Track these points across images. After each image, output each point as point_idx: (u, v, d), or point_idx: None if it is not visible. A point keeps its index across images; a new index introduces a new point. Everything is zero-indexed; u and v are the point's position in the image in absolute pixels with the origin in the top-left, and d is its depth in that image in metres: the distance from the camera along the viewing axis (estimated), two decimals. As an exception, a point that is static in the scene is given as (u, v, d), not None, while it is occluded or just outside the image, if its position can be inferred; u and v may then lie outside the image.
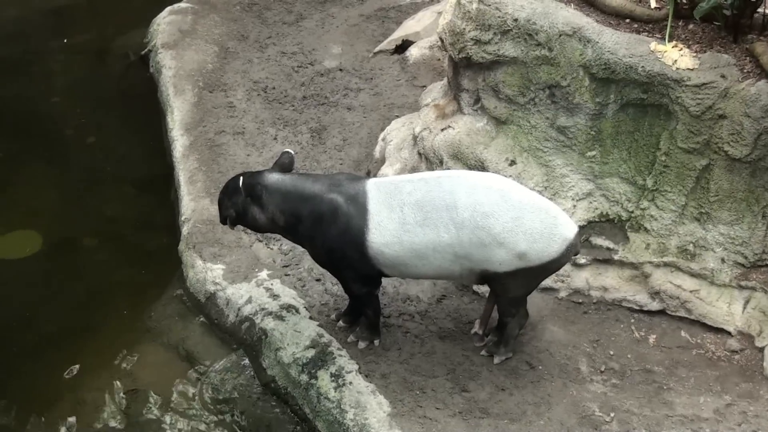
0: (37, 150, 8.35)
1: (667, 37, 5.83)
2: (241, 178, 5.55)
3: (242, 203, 5.56)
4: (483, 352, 5.80)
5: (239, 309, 6.21)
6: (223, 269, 6.50)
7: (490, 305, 5.83)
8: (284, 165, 5.63)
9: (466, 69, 6.39)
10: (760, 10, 5.95)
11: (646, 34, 5.97)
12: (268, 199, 5.50)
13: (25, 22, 10.43)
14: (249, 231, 6.65)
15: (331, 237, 5.41)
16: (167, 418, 5.83)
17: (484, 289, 6.06)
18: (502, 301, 5.58)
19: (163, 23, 9.37)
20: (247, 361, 6.09)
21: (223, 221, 5.74)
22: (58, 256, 7.13)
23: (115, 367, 6.14)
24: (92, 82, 9.37)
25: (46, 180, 7.97)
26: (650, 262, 6.08)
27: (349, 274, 5.61)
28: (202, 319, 6.44)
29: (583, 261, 6.16)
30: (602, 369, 5.77)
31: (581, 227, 6.02)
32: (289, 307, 6.12)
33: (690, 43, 5.88)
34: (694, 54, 5.74)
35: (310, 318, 6.06)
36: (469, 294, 6.26)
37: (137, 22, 9.87)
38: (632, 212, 6.09)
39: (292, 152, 5.73)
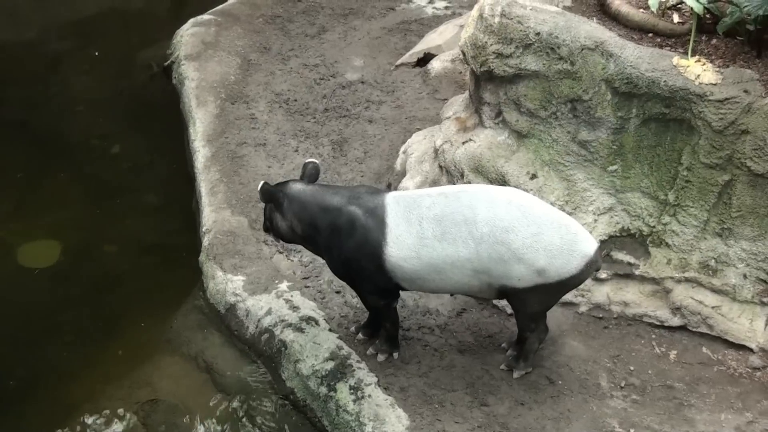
0: (60, 159, 8.42)
1: (689, 51, 5.81)
2: (261, 184, 5.59)
3: (269, 210, 5.61)
4: (502, 366, 5.78)
5: (259, 320, 6.22)
6: (243, 280, 6.51)
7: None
8: (311, 175, 5.66)
9: (487, 82, 6.38)
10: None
11: (668, 48, 5.96)
12: (288, 207, 5.54)
13: (50, 34, 10.52)
14: (270, 242, 6.67)
15: (349, 249, 5.42)
16: (186, 429, 5.83)
17: (504, 303, 6.05)
18: (521, 316, 5.55)
19: (187, 35, 9.42)
20: (266, 373, 6.10)
21: (265, 230, 5.83)
22: (80, 265, 7.17)
23: (134, 378, 6.16)
24: (116, 93, 9.43)
25: (69, 189, 8.03)
26: (671, 278, 6.06)
27: (366, 287, 5.61)
28: (221, 330, 6.45)
29: (604, 276, 6.14)
30: (622, 384, 5.74)
31: (602, 242, 6.01)
32: (308, 319, 6.13)
33: (713, 57, 5.86)
34: (717, 69, 5.72)
35: (330, 330, 6.06)
36: (489, 308, 6.25)
37: (161, 33, 9.93)
38: (654, 227, 6.06)
39: (317, 162, 5.75)
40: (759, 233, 5.83)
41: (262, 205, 5.85)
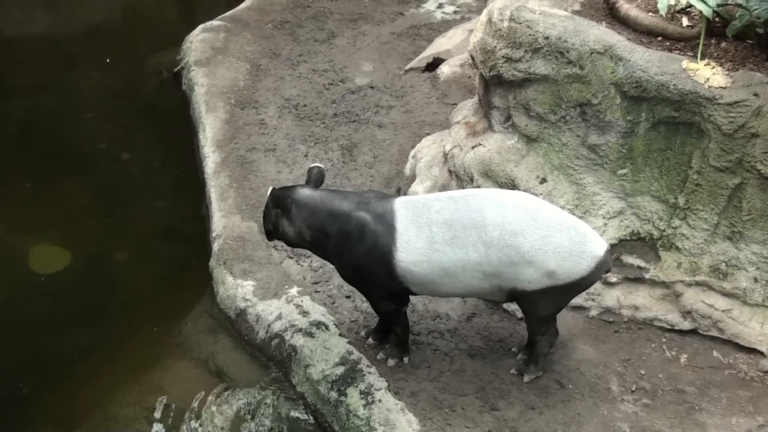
0: (70, 165, 8.45)
1: (699, 55, 5.81)
2: (270, 189, 5.60)
3: (275, 215, 5.60)
4: (513, 371, 5.78)
5: (269, 325, 6.23)
6: (253, 285, 6.52)
7: None
8: (317, 180, 5.67)
9: (496, 87, 6.39)
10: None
11: (678, 52, 5.94)
12: (297, 213, 5.54)
13: (61, 41, 10.56)
14: (279, 247, 6.68)
15: (358, 255, 5.42)
16: (197, 434, 5.86)
17: (514, 307, 6.04)
18: (531, 319, 5.55)
19: (196, 41, 9.45)
20: (276, 377, 6.10)
21: (266, 235, 5.80)
22: (90, 270, 7.19)
23: (145, 382, 6.17)
24: (126, 98, 9.47)
25: (79, 195, 8.04)
26: (682, 281, 6.04)
27: (376, 292, 5.61)
28: (232, 335, 6.46)
29: (614, 279, 6.13)
30: (633, 388, 5.72)
31: (612, 246, 5.99)
32: (318, 324, 6.13)
33: (722, 61, 5.85)
34: (727, 72, 5.71)
35: (340, 335, 6.06)
36: (499, 312, 6.24)
37: (171, 39, 9.97)
38: (664, 231, 6.06)
39: (322, 166, 5.76)
40: (769, 236, 5.83)
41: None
